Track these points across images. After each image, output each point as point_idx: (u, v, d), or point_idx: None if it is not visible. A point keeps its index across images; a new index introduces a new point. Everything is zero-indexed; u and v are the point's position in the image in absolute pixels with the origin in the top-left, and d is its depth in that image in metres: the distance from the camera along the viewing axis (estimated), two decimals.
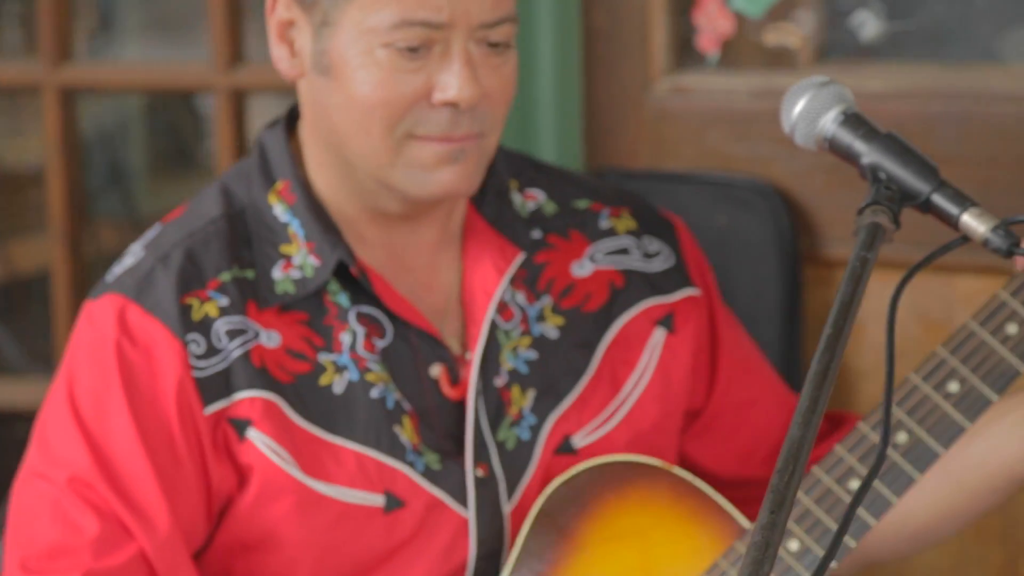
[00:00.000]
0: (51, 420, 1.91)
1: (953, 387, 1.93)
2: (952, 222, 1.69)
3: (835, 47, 2.73)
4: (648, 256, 2.08)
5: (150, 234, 1.99)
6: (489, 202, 2.01)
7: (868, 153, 1.72)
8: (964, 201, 1.69)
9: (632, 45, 2.74)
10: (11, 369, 3.94)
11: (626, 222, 2.09)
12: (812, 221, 2.67)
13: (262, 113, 4.27)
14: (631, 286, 2.05)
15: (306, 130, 1.98)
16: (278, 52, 1.93)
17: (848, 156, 1.75)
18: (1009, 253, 1.67)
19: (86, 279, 3.18)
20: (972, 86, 2.58)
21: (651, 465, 1.97)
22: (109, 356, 1.88)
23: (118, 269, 1.96)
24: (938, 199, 1.69)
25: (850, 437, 1.93)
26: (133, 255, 1.96)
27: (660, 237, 2.10)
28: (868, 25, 2.71)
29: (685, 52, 2.74)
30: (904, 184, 1.70)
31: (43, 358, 3.78)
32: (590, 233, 2.07)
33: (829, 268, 2.65)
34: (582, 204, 2.09)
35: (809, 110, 1.77)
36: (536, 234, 2.03)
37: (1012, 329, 1.94)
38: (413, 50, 1.84)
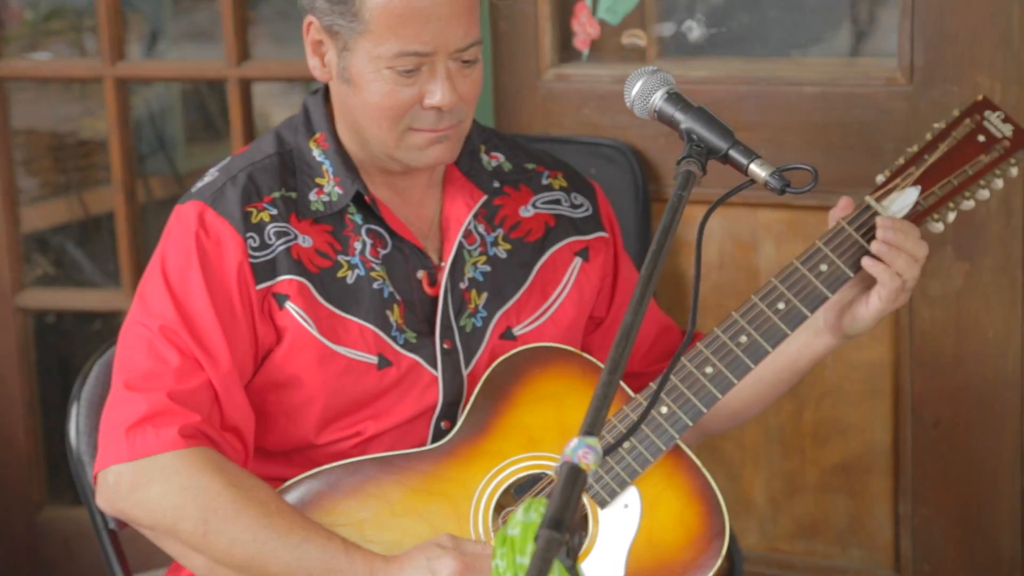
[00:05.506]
0: (148, 286, 1.95)
1: (781, 305, 1.94)
2: (743, 169, 1.70)
3: (672, 47, 2.78)
4: (574, 207, 2.10)
5: (223, 163, 2.03)
6: (464, 159, 2.04)
7: (685, 121, 1.72)
8: (751, 154, 1.69)
9: (527, 45, 2.83)
10: (88, 283, 4.02)
11: (560, 182, 2.11)
12: (657, 172, 2.76)
13: (262, 95, 4.26)
14: (560, 226, 2.08)
15: (336, 104, 2.01)
16: (312, 63, 1.95)
17: (671, 123, 1.75)
18: (782, 191, 1.67)
19: (139, 219, 3.24)
20: (768, 74, 2.68)
21: (567, 350, 2.00)
22: (191, 243, 1.92)
23: (200, 184, 2.00)
24: (733, 153, 1.69)
25: (707, 337, 1.97)
26: (210, 175, 2.00)
27: (583, 194, 2.12)
28: (694, 31, 2.75)
29: (565, 50, 2.83)
30: (709, 143, 1.70)
31: (110, 275, 3.87)
32: (534, 187, 2.09)
33: None
34: (530, 166, 2.11)
35: (643, 90, 1.76)
36: (496, 184, 2.07)
37: (824, 268, 1.95)
38: (408, 72, 1.87)
